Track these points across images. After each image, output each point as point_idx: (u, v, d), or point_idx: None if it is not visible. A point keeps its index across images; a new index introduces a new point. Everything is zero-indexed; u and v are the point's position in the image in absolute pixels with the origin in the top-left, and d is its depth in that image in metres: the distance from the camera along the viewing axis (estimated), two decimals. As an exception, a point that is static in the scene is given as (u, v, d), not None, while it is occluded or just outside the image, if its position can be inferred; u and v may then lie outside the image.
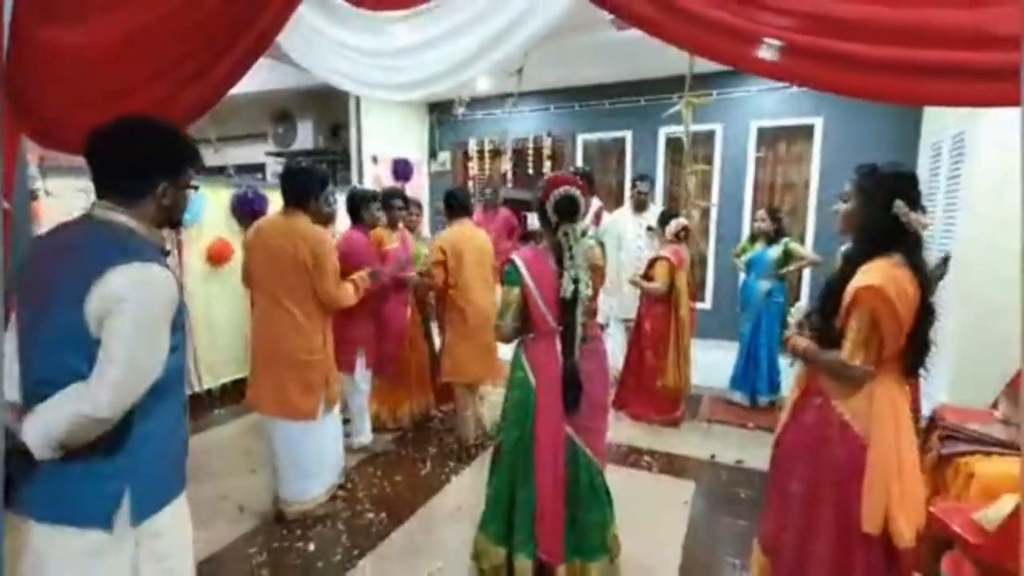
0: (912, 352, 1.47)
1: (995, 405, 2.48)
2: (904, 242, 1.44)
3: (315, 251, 2.30)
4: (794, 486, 1.57)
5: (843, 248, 1.85)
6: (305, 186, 2.38)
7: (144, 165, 1.18)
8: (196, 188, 1.30)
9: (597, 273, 1.91)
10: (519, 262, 1.85)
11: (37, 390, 1.08)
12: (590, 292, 1.81)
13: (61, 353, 1.07)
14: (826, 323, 1.51)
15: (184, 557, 1.29)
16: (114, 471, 1.11)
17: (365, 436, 3.17)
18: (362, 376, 3.08)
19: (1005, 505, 1.66)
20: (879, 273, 1.40)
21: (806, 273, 4.81)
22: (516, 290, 1.85)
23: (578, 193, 1.83)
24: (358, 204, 3.07)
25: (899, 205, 1.41)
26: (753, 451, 3.17)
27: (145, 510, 1.14)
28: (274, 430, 2.42)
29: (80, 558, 1.10)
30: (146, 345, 1.09)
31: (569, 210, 1.81)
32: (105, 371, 1.04)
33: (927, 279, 1.46)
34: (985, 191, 3.17)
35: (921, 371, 1.52)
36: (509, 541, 1.93)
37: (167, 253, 1.25)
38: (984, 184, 3.20)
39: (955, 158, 3.61)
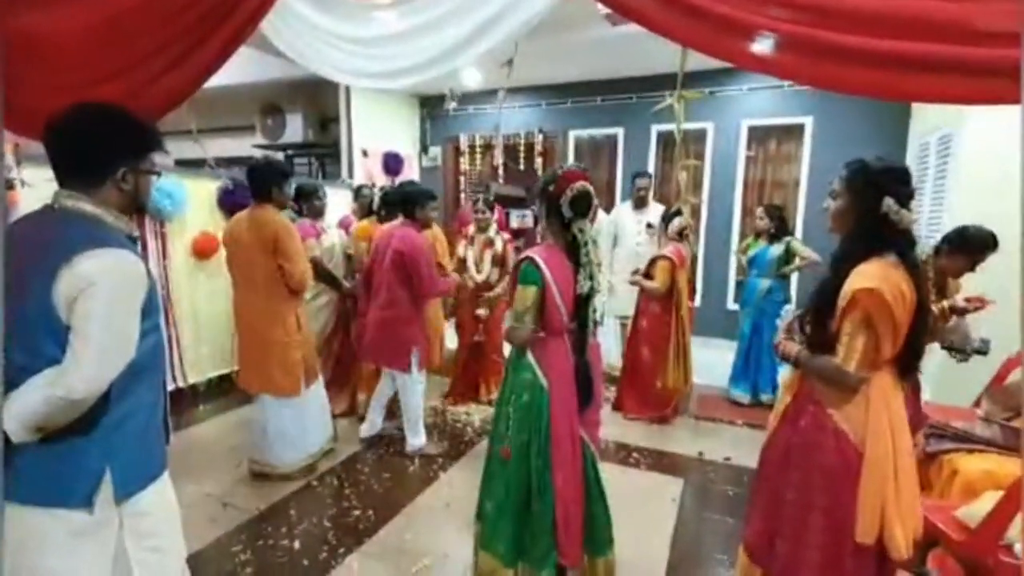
0: (907, 354, 1.43)
1: (977, 403, 2.52)
2: (896, 240, 1.39)
3: (278, 235, 2.48)
4: (787, 493, 1.52)
5: None
6: (265, 179, 2.57)
7: (100, 149, 1.17)
8: (158, 174, 1.29)
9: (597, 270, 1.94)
10: (540, 261, 1.77)
11: (17, 378, 1.08)
12: (601, 289, 1.82)
13: (35, 341, 1.08)
14: (819, 327, 1.46)
15: (172, 536, 1.30)
16: (93, 451, 1.12)
17: (420, 439, 3.11)
18: (417, 375, 3.05)
19: (987, 502, 1.67)
20: (875, 275, 1.35)
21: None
22: (534, 289, 1.76)
23: (592, 189, 1.80)
24: (413, 202, 2.99)
25: (888, 203, 1.35)
26: (741, 448, 3.19)
27: (127, 489, 1.16)
28: (262, 403, 2.71)
29: (63, 539, 1.11)
30: (117, 327, 1.10)
31: (585, 206, 1.78)
32: (78, 353, 1.06)
33: (921, 278, 1.41)
34: (971, 191, 3.20)
35: (920, 378, 1.48)
36: (521, 560, 1.86)
37: (135, 239, 1.25)
38: (970, 184, 3.24)
39: (942, 158, 3.65)
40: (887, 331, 1.35)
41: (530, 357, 1.83)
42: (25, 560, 1.10)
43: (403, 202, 3.02)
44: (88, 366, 1.05)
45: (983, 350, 2.18)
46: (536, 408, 1.79)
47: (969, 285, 2.36)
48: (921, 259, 2.15)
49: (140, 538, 1.18)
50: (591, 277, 1.77)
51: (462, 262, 3.76)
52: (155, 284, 1.21)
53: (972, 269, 2.27)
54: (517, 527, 1.85)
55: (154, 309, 1.21)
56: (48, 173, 1.19)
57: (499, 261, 3.70)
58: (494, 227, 3.75)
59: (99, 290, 1.06)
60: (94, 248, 1.08)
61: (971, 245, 2.22)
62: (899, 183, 1.39)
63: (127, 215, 1.24)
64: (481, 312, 3.66)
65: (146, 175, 1.24)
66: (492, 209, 4.13)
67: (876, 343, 1.36)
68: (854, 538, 1.37)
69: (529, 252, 1.83)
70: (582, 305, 1.80)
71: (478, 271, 3.72)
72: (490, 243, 3.69)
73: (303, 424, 2.77)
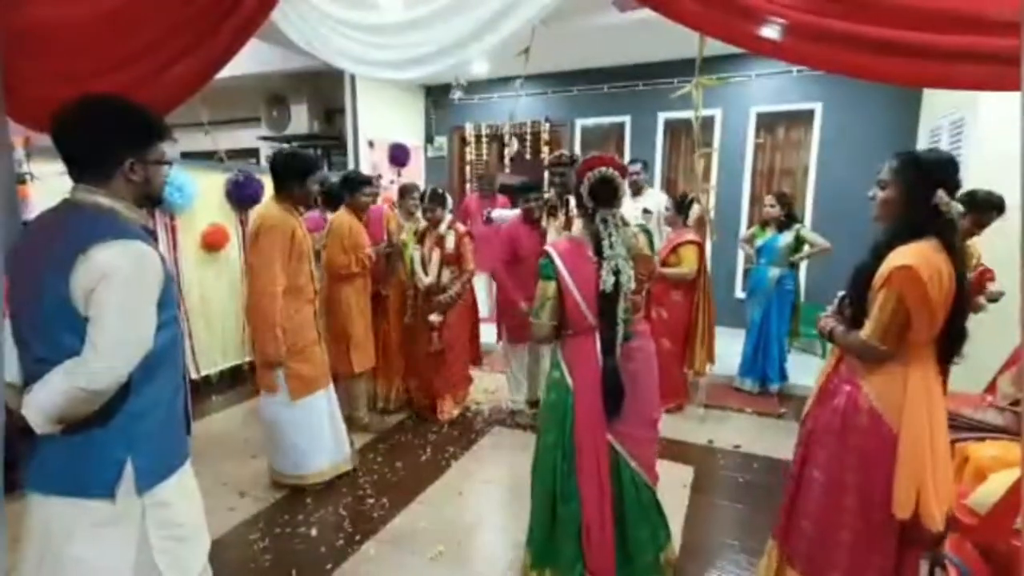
0: (947, 340, 1.45)
1: (987, 390, 2.51)
2: (939, 227, 1.42)
3: (255, 232, 2.37)
4: (815, 472, 1.55)
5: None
6: (274, 172, 2.47)
7: (105, 141, 1.17)
8: (169, 164, 1.29)
9: (641, 263, 1.74)
10: (554, 254, 1.70)
11: (37, 370, 1.10)
12: (632, 285, 1.65)
13: (54, 332, 1.09)
14: (857, 307, 1.50)
15: (195, 526, 1.31)
16: (115, 442, 1.14)
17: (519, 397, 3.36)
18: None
19: (994, 488, 1.68)
20: (914, 254, 1.38)
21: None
22: (552, 284, 1.69)
23: (615, 174, 1.67)
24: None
25: (941, 196, 1.38)
26: (750, 436, 3.21)
27: (149, 480, 1.17)
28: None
29: (86, 529, 1.13)
30: (135, 318, 1.11)
31: (606, 194, 1.66)
32: (96, 344, 1.07)
33: (962, 263, 1.44)
34: (984, 176, 3.17)
35: (956, 360, 1.49)
36: (549, 566, 1.79)
37: (151, 232, 1.26)
38: (983, 169, 3.20)
39: (954, 143, 3.61)
40: (921, 310, 1.36)
41: (559, 354, 1.78)
42: (50, 549, 1.13)
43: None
44: (106, 356, 1.07)
45: (995, 299, 2.35)
46: (561, 408, 1.73)
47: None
48: None
49: (163, 528, 1.19)
50: (616, 272, 1.61)
51: (410, 262, 3.38)
52: (171, 276, 1.21)
53: (979, 231, 2.38)
54: (545, 530, 1.79)
55: (170, 301, 1.22)
56: (58, 167, 1.20)
57: (451, 261, 3.29)
58: (447, 222, 3.32)
59: (115, 280, 1.07)
60: (110, 239, 1.09)
61: (978, 206, 2.32)
62: (950, 175, 1.42)
63: (142, 208, 1.24)
64: (433, 318, 3.27)
65: (156, 165, 1.23)
66: (493, 198, 3.99)
67: (906, 321, 1.38)
68: (887, 515, 1.40)
69: (550, 245, 1.78)
70: (608, 302, 1.64)
71: (425, 273, 3.32)
72: (440, 241, 3.27)
73: (305, 433, 2.53)
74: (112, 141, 1.17)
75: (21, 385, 1.13)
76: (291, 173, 2.41)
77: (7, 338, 1.17)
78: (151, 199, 1.26)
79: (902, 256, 1.39)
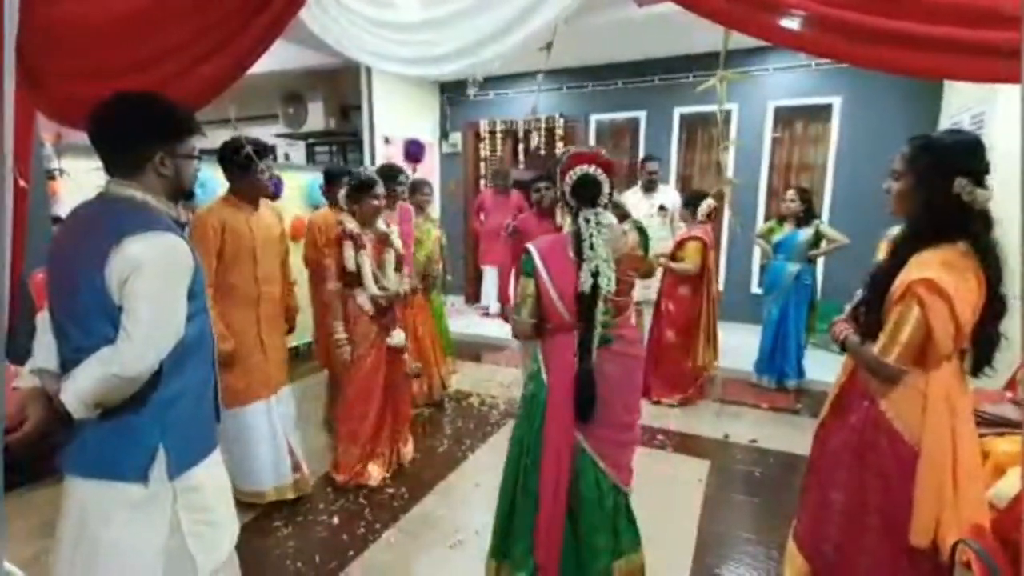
0: (977, 348, 1.31)
1: (1008, 386, 2.48)
2: (970, 226, 1.25)
3: None
4: (835, 494, 1.44)
5: (892, 232, 1.64)
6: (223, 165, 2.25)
7: (134, 136, 1.21)
8: (199, 158, 1.32)
9: (629, 263, 1.66)
10: (533, 252, 1.67)
11: (75, 358, 1.14)
12: (613, 287, 1.57)
13: (90, 321, 1.13)
14: (872, 315, 1.36)
15: (224, 511, 1.35)
16: (148, 427, 1.18)
17: None
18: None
19: (1012, 482, 1.68)
20: (937, 264, 1.22)
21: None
22: (532, 282, 1.66)
23: (598, 172, 1.61)
24: (527, 188, 3.16)
25: (962, 184, 1.21)
26: (766, 431, 3.21)
27: (181, 465, 1.21)
28: None
29: (121, 511, 1.17)
30: (166, 307, 1.15)
31: (587, 194, 1.61)
32: (130, 332, 1.11)
33: (998, 266, 1.27)
34: (1004, 171, 3.13)
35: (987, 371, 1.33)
36: (504, 556, 1.79)
37: (182, 225, 1.29)
38: (1003, 164, 3.16)
39: (976, 138, 3.56)
40: (944, 327, 1.22)
41: (538, 350, 1.75)
42: (86, 532, 1.17)
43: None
44: (139, 344, 1.11)
45: None
46: (534, 400, 1.72)
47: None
48: None
49: (194, 511, 1.23)
50: (595, 274, 1.53)
51: (353, 275, 2.50)
52: (200, 268, 1.25)
53: None
54: (504, 522, 1.79)
55: (200, 291, 1.25)
56: (89, 163, 1.24)
57: (401, 263, 2.70)
58: (383, 218, 2.64)
59: (147, 271, 1.11)
60: (143, 231, 1.13)
61: None
62: (971, 159, 1.26)
63: (174, 201, 1.28)
64: (395, 340, 2.61)
65: (186, 159, 1.27)
66: (507, 193, 3.85)
67: (928, 338, 1.25)
68: (909, 541, 1.30)
69: (532, 241, 1.74)
70: (586, 304, 1.56)
71: (379, 286, 2.53)
72: (385, 241, 2.61)
73: (243, 446, 2.31)
74: (143, 135, 1.21)
75: (58, 372, 1.17)
76: (229, 163, 2.23)
77: (47, 328, 1.21)
78: (181, 192, 1.30)
79: (923, 266, 1.24)
